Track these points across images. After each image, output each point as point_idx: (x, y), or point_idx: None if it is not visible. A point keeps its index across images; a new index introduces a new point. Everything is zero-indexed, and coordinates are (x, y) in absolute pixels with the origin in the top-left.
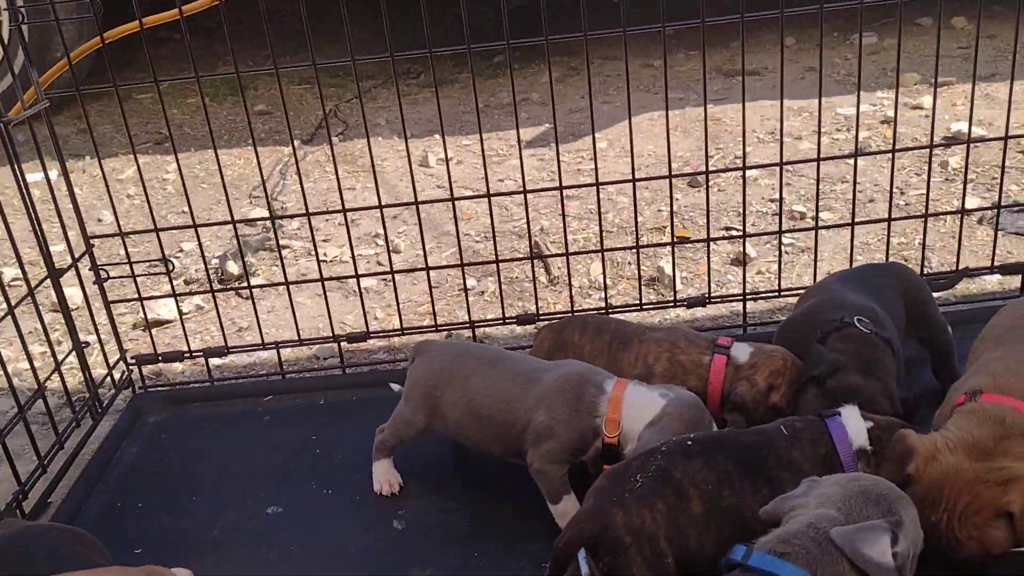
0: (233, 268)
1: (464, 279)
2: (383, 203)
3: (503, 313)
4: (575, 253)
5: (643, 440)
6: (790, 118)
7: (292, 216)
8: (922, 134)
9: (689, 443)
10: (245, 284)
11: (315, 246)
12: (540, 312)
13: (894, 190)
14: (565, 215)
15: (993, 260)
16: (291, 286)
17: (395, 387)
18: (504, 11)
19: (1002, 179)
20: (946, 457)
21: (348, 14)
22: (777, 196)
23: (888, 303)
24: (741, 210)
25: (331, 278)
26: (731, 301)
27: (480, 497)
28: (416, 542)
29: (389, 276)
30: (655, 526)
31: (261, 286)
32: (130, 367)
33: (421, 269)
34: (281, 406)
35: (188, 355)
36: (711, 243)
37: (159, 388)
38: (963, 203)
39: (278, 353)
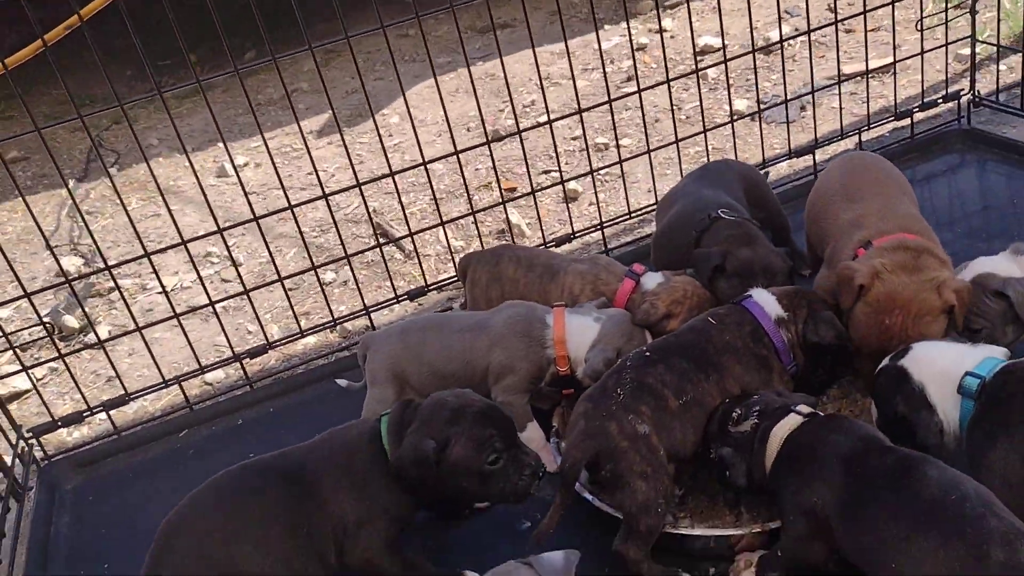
0: (72, 322)
1: (318, 278)
2: (218, 224)
3: (362, 301)
4: (419, 231)
5: (591, 361)
6: (556, 61)
7: (131, 261)
8: (674, 53)
9: (648, 353)
10: (95, 337)
11: (161, 282)
12: (428, 284)
13: (672, 107)
14: (400, 196)
15: (789, 147)
16: (150, 326)
17: (341, 382)
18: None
19: (757, 85)
20: (889, 276)
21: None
22: (575, 133)
23: (734, 193)
24: (550, 152)
25: (188, 310)
26: (591, 232)
27: None
28: None
29: (254, 290)
30: (645, 427)
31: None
32: (28, 441)
33: (275, 281)
34: (200, 438)
35: (88, 412)
36: (540, 189)
37: (65, 455)
38: (731, 110)
39: (181, 387)
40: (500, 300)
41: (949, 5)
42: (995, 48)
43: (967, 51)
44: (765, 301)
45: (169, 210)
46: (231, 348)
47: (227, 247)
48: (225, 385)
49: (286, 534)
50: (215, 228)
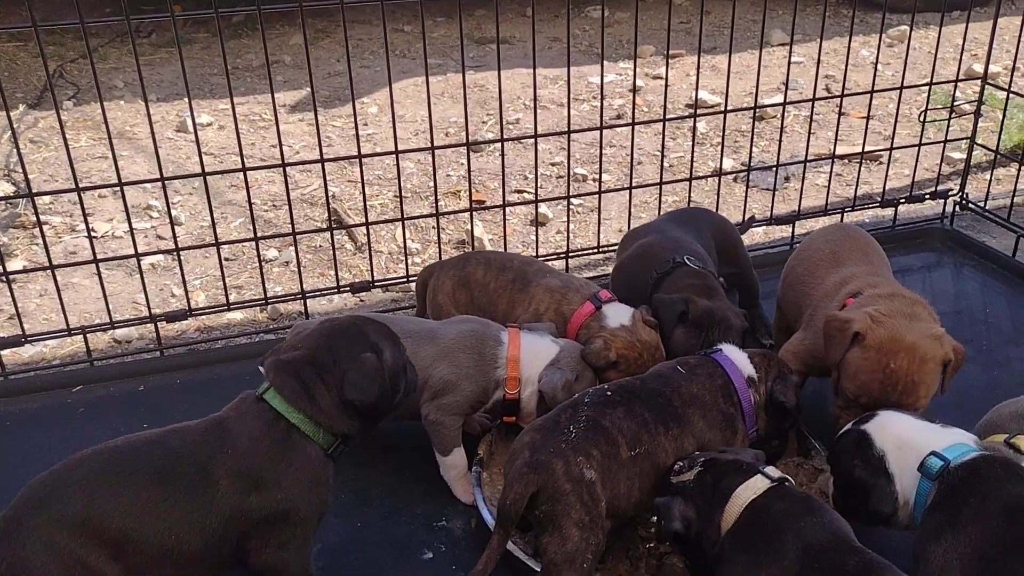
0: None
1: (258, 251)
2: (162, 174)
3: (301, 284)
4: (376, 222)
5: (548, 378)
6: (548, 86)
7: (60, 192)
8: (668, 102)
9: (609, 393)
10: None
11: (87, 223)
12: (375, 280)
13: (657, 153)
14: (364, 183)
15: (771, 213)
16: (64, 267)
17: (264, 369)
18: None
19: (751, 147)
20: (888, 321)
21: None
22: (555, 159)
23: (705, 243)
24: (527, 173)
25: (110, 258)
26: (553, 260)
27: (354, 467)
28: None
29: (186, 250)
30: (592, 472)
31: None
32: None
33: (211, 244)
34: (94, 397)
35: None
36: (511, 205)
37: None
38: (720, 166)
39: (85, 339)
40: (468, 307)
41: (952, 106)
42: (987, 155)
43: (958, 155)
44: (737, 358)
45: (112, 149)
46: (148, 307)
47: (166, 199)
48: (134, 347)
49: (180, 511)
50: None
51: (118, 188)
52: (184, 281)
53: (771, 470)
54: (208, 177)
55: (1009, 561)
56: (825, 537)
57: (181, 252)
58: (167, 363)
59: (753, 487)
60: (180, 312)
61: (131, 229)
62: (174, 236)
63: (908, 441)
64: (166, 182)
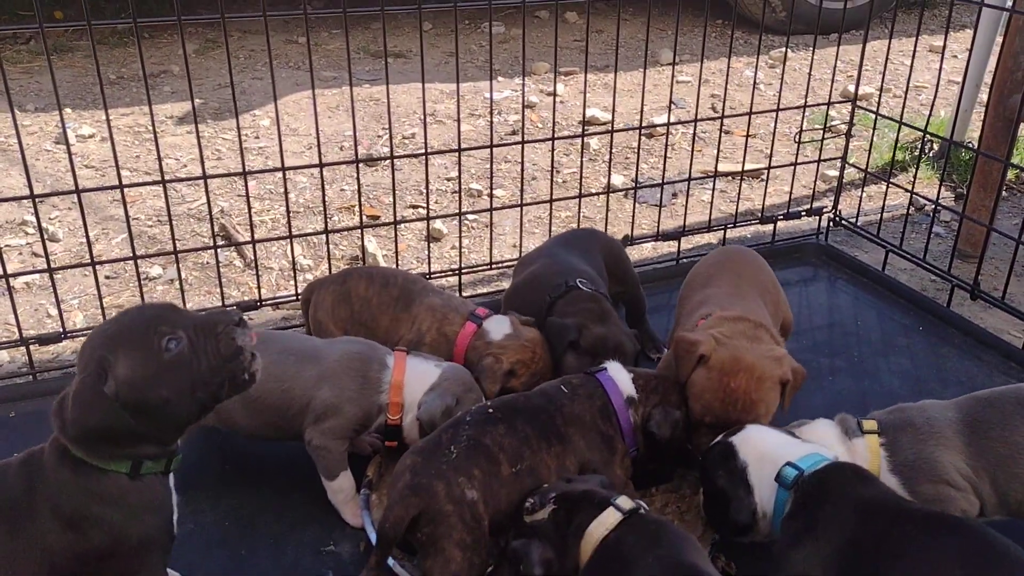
0: None
1: (137, 270)
2: (32, 191)
3: (183, 302)
4: (262, 240)
5: (427, 405)
6: (444, 100)
7: None
8: (562, 118)
9: (491, 410)
10: None
11: None
12: (263, 299)
13: (552, 167)
14: (249, 199)
15: (658, 230)
16: None
17: None
18: None
19: (638, 164)
20: (729, 342)
21: None
22: (451, 174)
23: (595, 263)
24: (421, 188)
25: None
26: (447, 275)
27: (238, 493)
28: (174, 551)
29: (59, 270)
30: (474, 492)
31: None
32: None
33: (87, 264)
34: None
35: None
36: (404, 221)
37: None
38: (608, 183)
39: None
40: (349, 323)
41: (826, 127)
42: (861, 174)
43: (833, 172)
44: (620, 378)
45: None
46: (19, 329)
47: (37, 216)
48: (5, 371)
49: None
50: (33, 194)
51: None
52: (58, 301)
53: (623, 501)
54: (88, 193)
55: (865, 559)
56: (672, 573)
57: (57, 271)
58: (40, 388)
59: (604, 523)
60: (54, 335)
61: None
62: (46, 254)
63: (767, 453)
64: (44, 197)
